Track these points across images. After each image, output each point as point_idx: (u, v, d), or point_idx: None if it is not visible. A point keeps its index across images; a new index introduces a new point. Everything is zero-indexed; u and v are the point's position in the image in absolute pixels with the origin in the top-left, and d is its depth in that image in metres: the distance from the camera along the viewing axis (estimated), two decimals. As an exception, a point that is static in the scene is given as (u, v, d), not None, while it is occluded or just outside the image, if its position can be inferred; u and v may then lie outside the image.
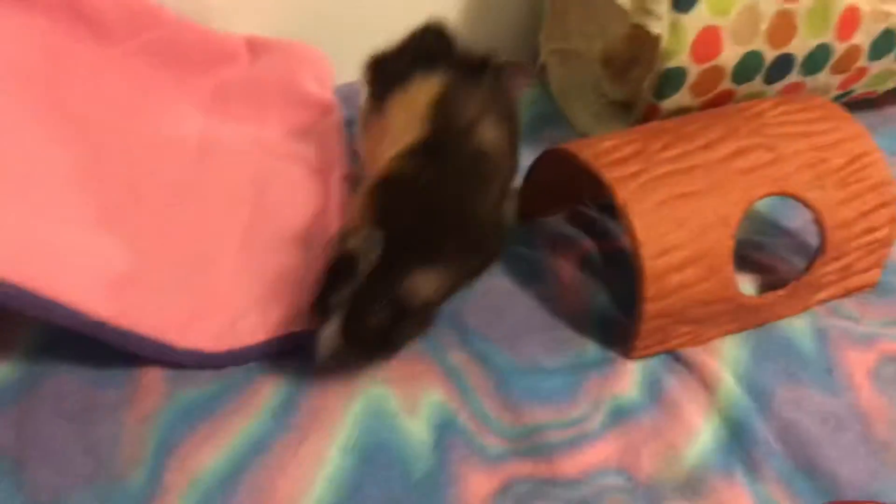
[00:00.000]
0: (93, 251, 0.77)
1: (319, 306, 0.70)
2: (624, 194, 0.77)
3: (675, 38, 0.87)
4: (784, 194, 0.81)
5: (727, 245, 0.78)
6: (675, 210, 0.77)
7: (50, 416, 0.72)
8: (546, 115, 1.11)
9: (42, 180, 0.77)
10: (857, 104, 1.12)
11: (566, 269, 0.90)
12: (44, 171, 0.78)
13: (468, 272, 0.75)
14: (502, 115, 0.81)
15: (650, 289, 0.76)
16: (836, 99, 1.05)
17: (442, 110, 0.78)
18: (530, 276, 0.89)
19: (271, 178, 0.92)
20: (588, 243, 0.93)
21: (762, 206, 0.96)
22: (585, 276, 0.89)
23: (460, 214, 0.72)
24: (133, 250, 0.79)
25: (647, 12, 0.87)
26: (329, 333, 0.70)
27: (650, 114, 0.93)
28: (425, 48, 0.85)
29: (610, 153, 0.80)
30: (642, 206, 0.76)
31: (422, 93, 0.81)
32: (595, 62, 1.09)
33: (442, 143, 0.76)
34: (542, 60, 1.14)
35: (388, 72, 0.86)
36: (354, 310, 0.68)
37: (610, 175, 0.78)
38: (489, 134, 0.78)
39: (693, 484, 0.72)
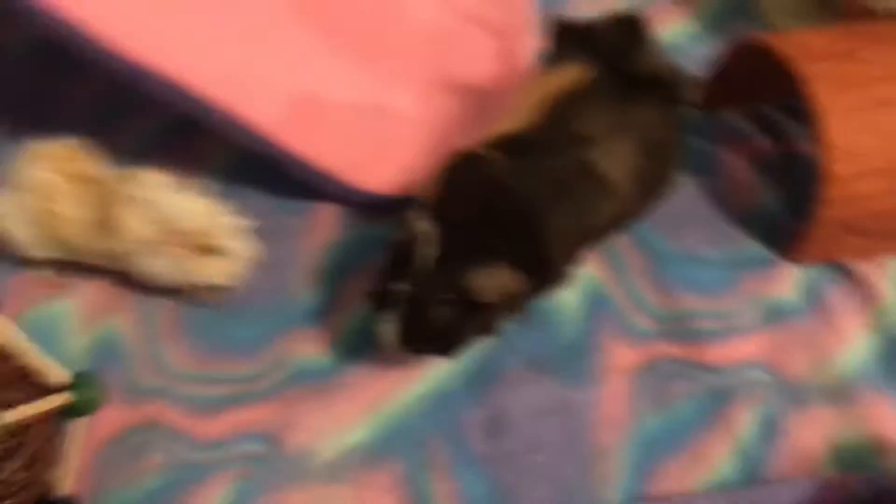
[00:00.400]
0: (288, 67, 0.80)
1: (376, 296, 0.66)
2: (821, 92, 0.74)
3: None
4: None
5: (919, 161, 0.74)
6: (874, 117, 0.74)
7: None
8: (737, 5, 1.06)
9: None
10: None
11: (737, 165, 0.88)
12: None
13: (530, 286, 0.67)
14: (644, 145, 0.70)
15: (831, 192, 0.74)
16: None
17: (560, 108, 0.69)
18: (700, 167, 0.88)
19: (453, 43, 0.93)
20: (764, 143, 0.90)
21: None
22: (757, 174, 0.87)
23: (525, 223, 0.64)
24: (318, 89, 0.83)
25: None
26: (388, 325, 0.65)
27: (860, 14, 0.87)
28: (607, 36, 0.74)
29: (811, 49, 0.77)
30: (839, 105, 0.73)
31: (553, 79, 0.72)
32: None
33: (540, 142, 0.68)
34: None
35: (561, 44, 0.77)
36: (414, 304, 0.64)
37: (809, 70, 0.75)
38: (609, 158, 0.68)
39: (841, 391, 0.72)
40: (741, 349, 0.75)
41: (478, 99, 0.88)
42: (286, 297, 0.77)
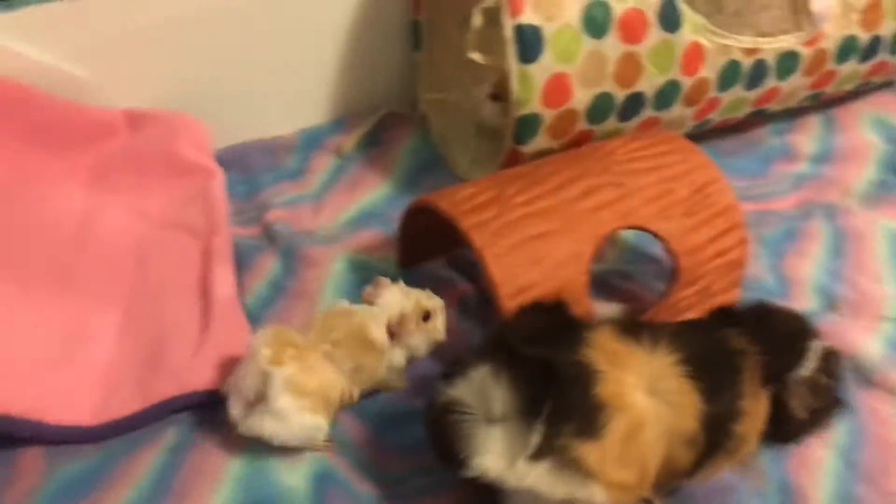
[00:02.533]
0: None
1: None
2: (480, 239, 0.81)
3: (525, 87, 0.91)
4: (633, 227, 0.86)
5: (581, 280, 0.82)
6: (530, 251, 0.81)
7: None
8: (428, 163, 1.15)
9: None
10: (721, 130, 1.19)
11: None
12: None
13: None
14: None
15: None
16: (696, 128, 1.11)
17: None
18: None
19: (153, 250, 0.94)
20: (466, 286, 0.96)
21: (629, 235, 1.01)
22: (464, 318, 0.93)
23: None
24: (10, 334, 0.81)
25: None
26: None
27: (514, 158, 0.98)
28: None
29: (468, 201, 0.84)
30: (497, 249, 0.80)
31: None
32: (471, 110, 1.13)
33: None
34: (421, 110, 1.18)
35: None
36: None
37: (467, 222, 0.82)
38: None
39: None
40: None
41: (179, 301, 0.89)
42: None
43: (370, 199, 1.08)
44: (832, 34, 1.10)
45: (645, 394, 0.66)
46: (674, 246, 0.86)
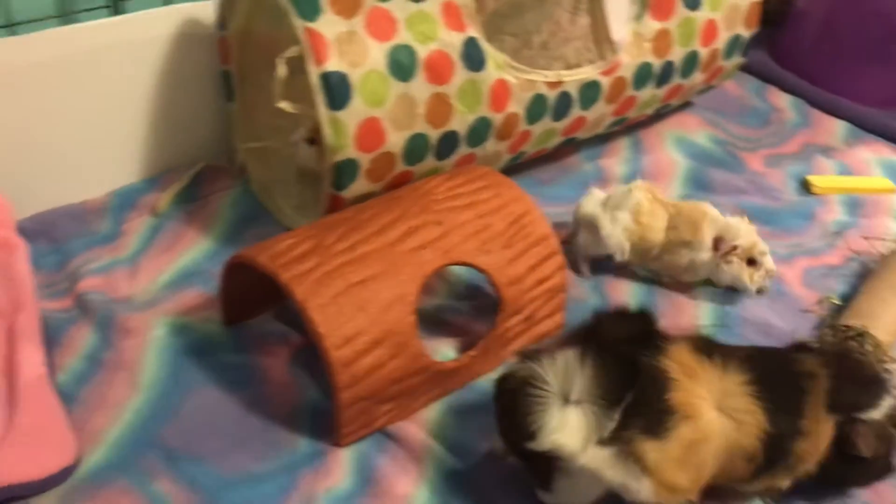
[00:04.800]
0: None
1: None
2: (301, 291, 0.79)
3: (338, 133, 0.91)
4: (455, 264, 0.87)
5: (409, 321, 0.82)
6: (354, 298, 0.81)
7: None
8: (251, 214, 1.12)
9: None
10: (537, 160, 1.24)
11: (276, 368, 0.91)
12: None
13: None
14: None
15: (341, 377, 0.78)
16: (512, 160, 1.15)
17: None
18: (240, 382, 0.89)
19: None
20: (297, 338, 0.94)
21: (458, 270, 1.02)
22: (295, 371, 0.90)
23: None
24: None
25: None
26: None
27: (336, 203, 0.97)
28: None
29: (287, 252, 0.83)
30: (320, 299, 0.79)
31: None
32: (291, 157, 1.12)
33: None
34: (240, 161, 1.15)
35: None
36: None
37: (286, 274, 0.80)
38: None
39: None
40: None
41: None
42: None
43: (190, 258, 1.04)
44: (628, 62, 1.17)
45: (713, 408, 0.72)
46: (496, 278, 0.88)
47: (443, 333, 0.96)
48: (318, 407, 0.86)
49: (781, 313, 1.02)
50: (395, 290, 0.82)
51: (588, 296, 1.03)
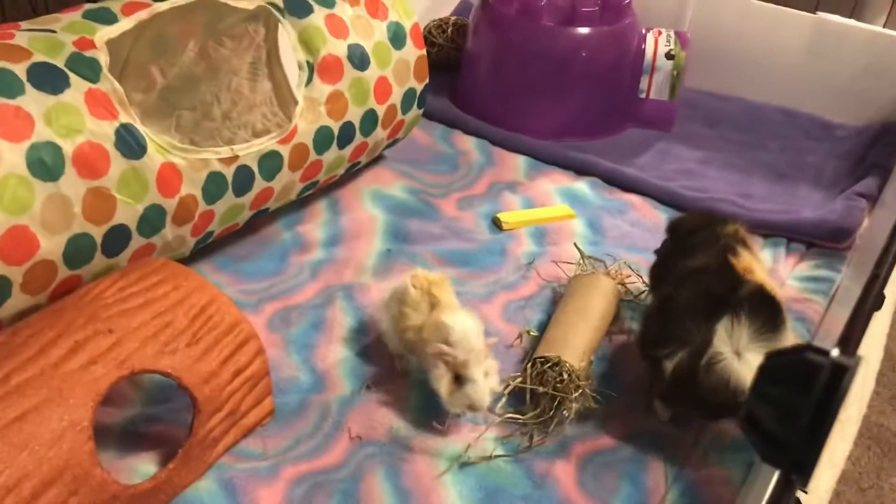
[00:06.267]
0: None
1: None
2: (-56, 444, 0.68)
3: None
4: (136, 373, 0.79)
5: (85, 449, 0.73)
6: (13, 437, 0.70)
7: None
8: None
9: None
10: (234, 235, 1.18)
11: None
12: None
13: None
14: None
15: (10, 534, 0.68)
16: (199, 243, 1.09)
17: None
18: None
19: None
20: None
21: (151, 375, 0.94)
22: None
23: None
24: None
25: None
26: None
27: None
28: None
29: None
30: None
31: None
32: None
33: None
34: None
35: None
36: None
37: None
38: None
39: None
40: None
41: None
42: None
43: None
44: (305, 128, 1.16)
45: None
46: (185, 380, 0.82)
47: (140, 448, 0.87)
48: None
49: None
50: (66, 418, 0.73)
51: (298, 373, 0.99)
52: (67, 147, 0.88)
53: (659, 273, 1.06)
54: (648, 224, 1.35)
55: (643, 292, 1.15)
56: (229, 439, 0.87)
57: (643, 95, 1.64)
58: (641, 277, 1.17)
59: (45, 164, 0.86)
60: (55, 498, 0.71)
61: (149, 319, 0.83)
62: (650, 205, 1.41)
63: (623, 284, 1.15)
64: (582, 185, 1.45)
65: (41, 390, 0.74)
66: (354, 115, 1.23)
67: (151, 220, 0.97)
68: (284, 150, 1.13)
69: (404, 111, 1.33)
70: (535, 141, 1.57)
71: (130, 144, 0.93)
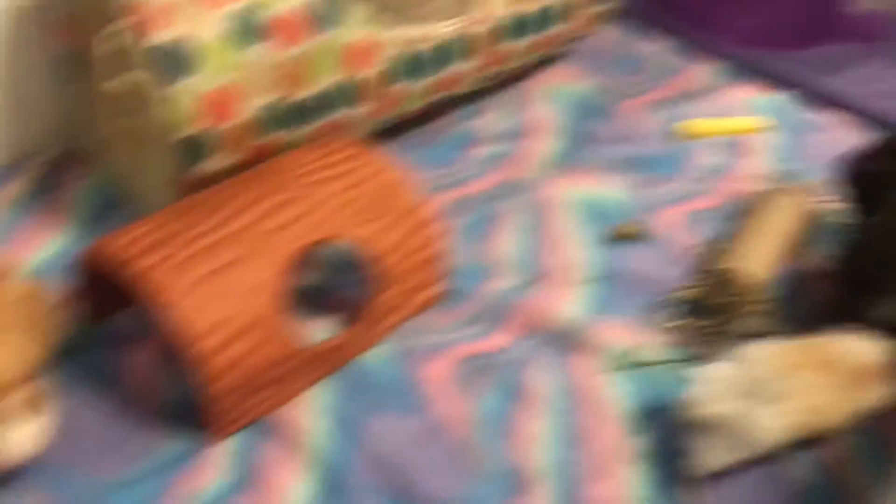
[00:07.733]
0: None
1: None
2: (154, 282, 0.74)
3: (178, 107, 0.85)
4: (323, 240, 0.83)
5: (275, 305, 0.78)
6: (213, 286, 0.76)
7: None
8: (113, 201, 1.06)
9: None
10: (409, 122, 1.20)
11: (141, 367, 0.86)
12: None
13: None
14: None
15: (206, 371, 0.74)
16: (380, 124, 1.10)
17: None
18: (107, 382, 0.84)
19: None
20: (161, 338, 0.89)
21: (336, 245, 0.99)
22: (163, 368, 0.86)
23: None
24: None
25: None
26: None
27: (194, 183, 0.91)
28: None
29: (138, 242, 0.78)
30: (176, 290, 0.74)
31: None
32: (148, 139, 1.05)
33: None
34: (96, 145, 1.08)
35: None
36: None
37: (137, 266, 0.75)
38: None
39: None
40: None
41: None
42: None
43: (47, 253, 0.97)
44: (499, 13, 1.14)
45: None
46: (368, 250, 0.85)
47: (321, 312, 0.92)
48: (189, 403, 0.82)
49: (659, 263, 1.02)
50: (259, 275, 0.78)
51: (467, 261, 1.01)
52: (270, 12, 0.90)
53: (868, 198, 0.98)
54: (851, 145, 1.25)
55: (840, 216, 1.08)
56: (402, 315, 0.91)
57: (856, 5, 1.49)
58: (839, 200, 1.09)
59: (248, 28, 0.89)
60: (247, 345, 0.76)
61: (338, 192, 0.86)
62: (855, 124, 1.30)
63: (818, 205, 1.08)
64: (779, 98, 1.36)
65: (239, 246, 0.79)
66: (541, 4, 1.20)
67: (341, 95, 0.99)
68: (473, 35, 1.12)
69: (593, 5, 1.28)
70: (733, 46, 1.47)
71: (331, 15, 0.95)
